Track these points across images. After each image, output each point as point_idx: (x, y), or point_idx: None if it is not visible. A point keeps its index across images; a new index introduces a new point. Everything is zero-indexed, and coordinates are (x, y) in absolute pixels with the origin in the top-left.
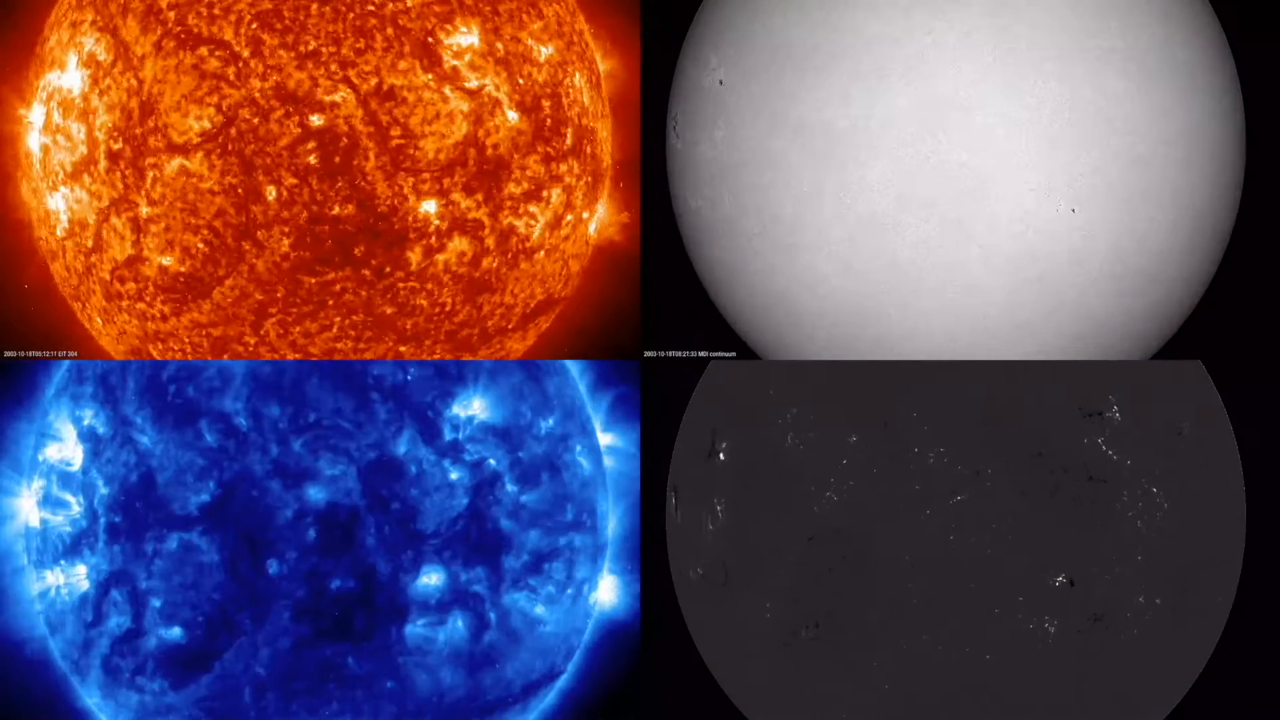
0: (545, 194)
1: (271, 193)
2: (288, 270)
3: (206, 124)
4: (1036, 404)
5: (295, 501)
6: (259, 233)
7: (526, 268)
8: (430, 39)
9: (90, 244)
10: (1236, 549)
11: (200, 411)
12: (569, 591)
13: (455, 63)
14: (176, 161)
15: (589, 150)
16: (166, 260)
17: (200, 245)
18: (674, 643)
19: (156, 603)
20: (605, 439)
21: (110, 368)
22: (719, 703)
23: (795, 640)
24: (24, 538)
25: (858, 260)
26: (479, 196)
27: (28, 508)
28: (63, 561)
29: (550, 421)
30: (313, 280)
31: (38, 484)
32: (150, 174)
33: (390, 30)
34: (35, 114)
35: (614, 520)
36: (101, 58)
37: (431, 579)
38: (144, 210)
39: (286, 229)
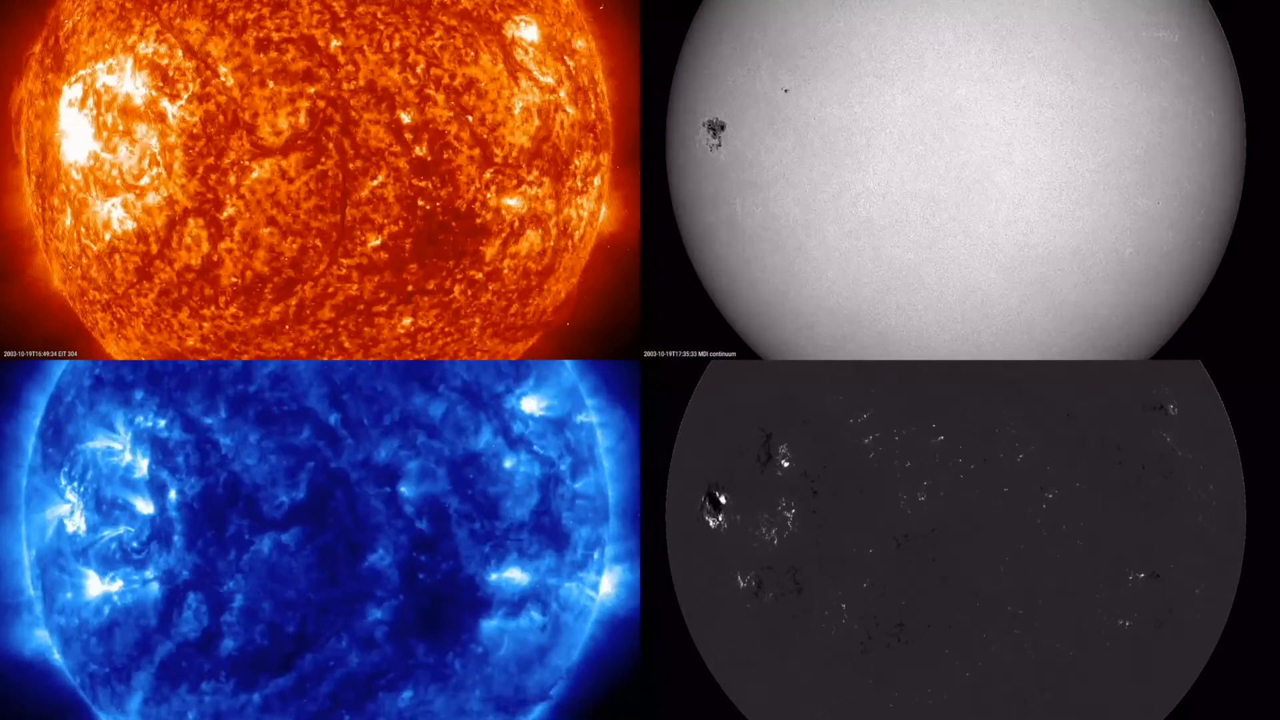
0: (590, 187)
1: (364, 190)
2: (376, 268)
3: (298, 123)
4: (1109, 401)
5: (388, 500)
6: (353, 232)
7: (568, 260)
8: (503, 32)
9: (156, 249)
10: (1237, 549)
11: (285, 412)
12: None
13: (524, 56)
14: (265, 163)
15: (612, 145)
16: (251, 262)
17: (289, 246)
18: (675, 642)
19: (240, 603)
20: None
21: (162, 368)
22: (719, 702)
23: (875, 646)
24: (60, 544)
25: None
26: (550, 189)
27: (64, 514)
28: (123, 567)
29: (583, 415)
30: (400, 277)
31: (74, 491)
32: (233, 176)
33: (468, 26)
34: (73, 122)
35: (614, 520)
36: (167, 61)
37: (513, 574)
38: (228, 212)
39: (378, 227)
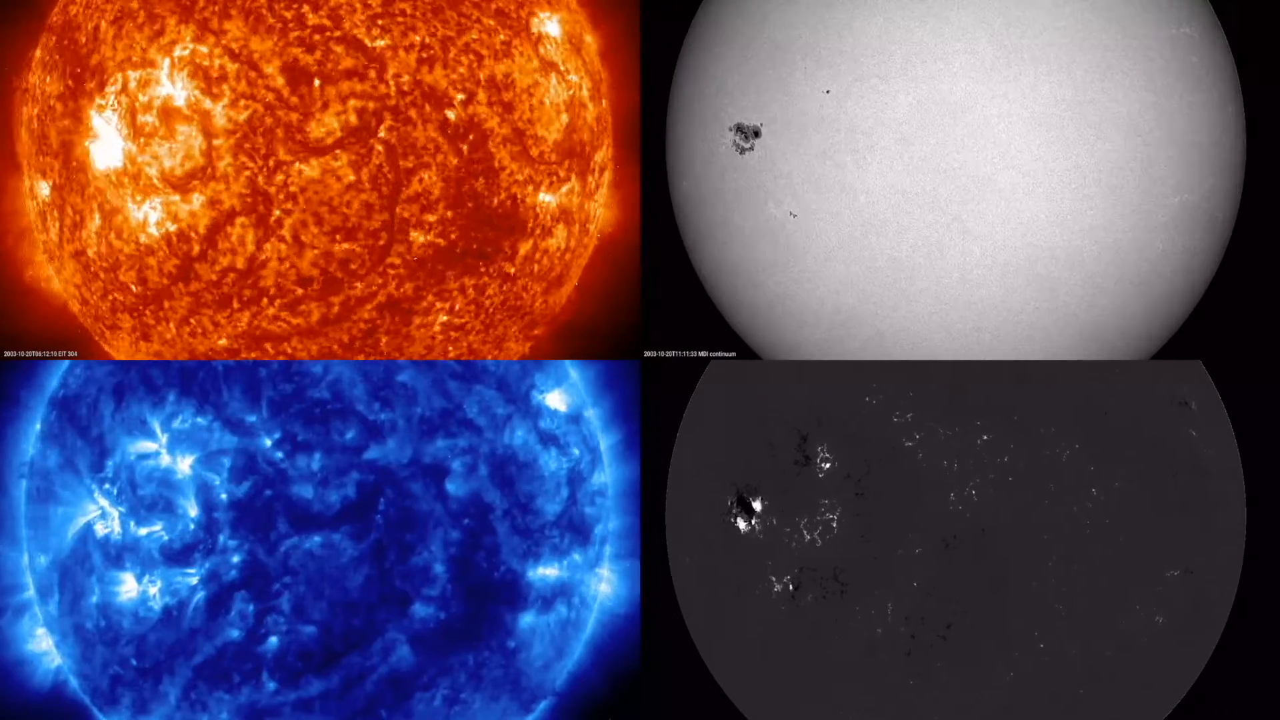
0: (602, 185)
1: (414, 187)
2: (422, 266)
3: (348, 122)
4: (1140, 399)
5: (436, 498)
6: (402, 231)
7: (579, 258)
8: (531, 29)
9: (198, 250)
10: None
11: (330, 411)
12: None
13: (550, 51)
14: (315, 162)
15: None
16: (301, 261)
17: (340, 245)
18: (675, 640)
19: (289, 602)
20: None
21: (192, 368)
22: (719, 702)
23: (919, 646)
24: (88, 547)
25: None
26: (577, 186)
27: (93, 517)
28: (164, 567)
29: (588, 411)
30: (442, 274)
31: (104, 494)
32: (280, 175)
33: (502, 22)
34: (105, 126)
35: (614, 520)
36: (209, 63)
37: (548, 571)
38: (278, 212)
39: (425, 225)
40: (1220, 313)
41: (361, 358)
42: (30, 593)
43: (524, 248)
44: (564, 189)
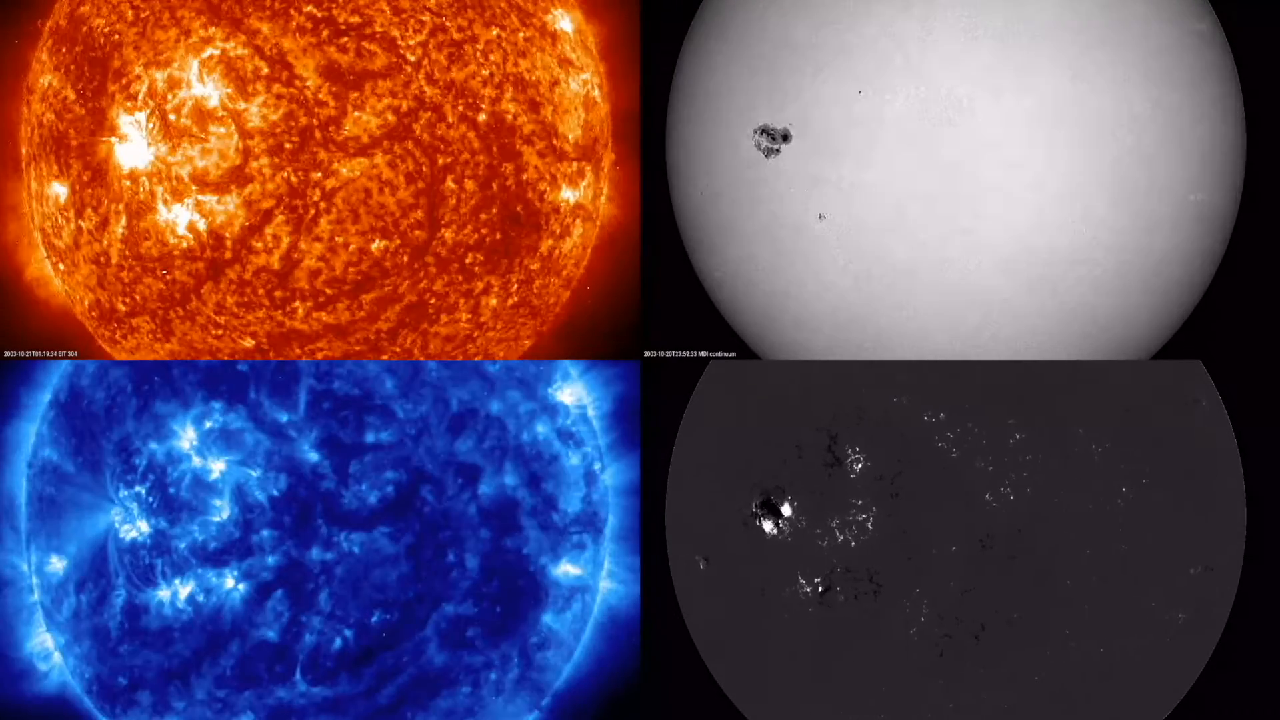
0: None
1: (452, 187)
2: (453, 264)
3: (387, 121)
4: (1161, 398)
5: (470, 496)
6: (440, 229)
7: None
8: (548, 26)
9: (231, 250)
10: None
11: (362, 410)
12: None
13: (565, 48)
14: (355, 162)
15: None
16: (335, 260)
17: (379, 243)
18: (674, 641)
19: (328, 601)
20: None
21: (217, 368)
22: (719, 702)
23: (952, 645)
24: (112, 548)
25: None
26: (592, 182)
27: (117, 518)
28: (200, 569)
29: (591, 409)
30: (473, 271)
31: (131, 495)
32: (316, 175)
33: (524, 19)
34: (132, 127)
35: (613, 520)
36: (242, 63)
37: (569, 568)
38: (314, 212)
39: (460, 223)
40: (1220, 313)
41: (387, 357)
42: (35, 596)
43: (545, 245)
44: (582, 184)
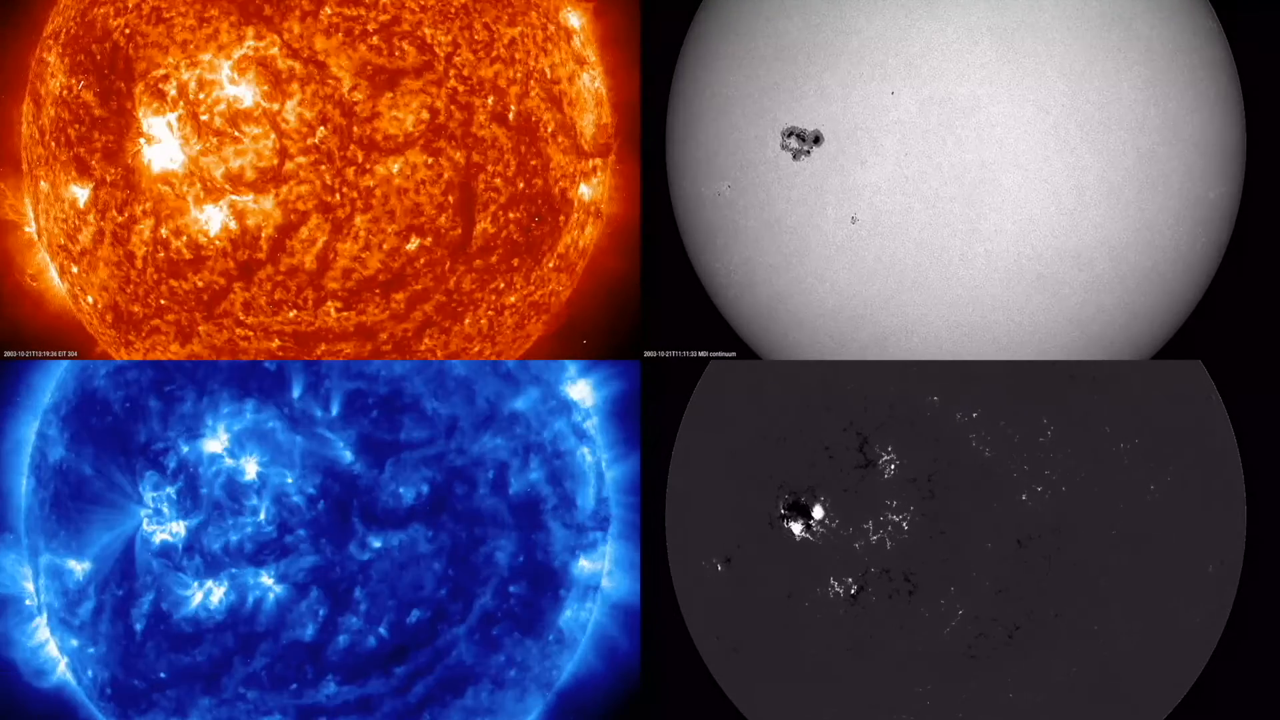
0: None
1: (481, 182)
2: (482, 259)
3: (422, 120)
4: (1177, 396)
5: (497, 494)
6: (472, 228)
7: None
8: (562, 23)
9: (265, 251)
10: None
11: (395, 410)
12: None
13: (579, 46)
14: (391, 160)
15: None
16: (368, 260)
17: (415, 240)
18: (674, 639)
19: (366, 601)
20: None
21: (246, 368)
22: (720, 703)
23: (984, 644)
24: (139, 549)
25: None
26: (604, 179)
27: (144, 519)
28: (233, 568)
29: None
30: (497, 268)
31: (160, 495)
32: (351, 171)
33: (545, 18)
34: (162, 129)
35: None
36: (276, 65)
37: (587, 564)
38: (350, 210)
39: (490, 220)
40: (1220, 313)
41: (412, 357)
42: (41, 598)
43: (562, 243)
44: (594, 180)
